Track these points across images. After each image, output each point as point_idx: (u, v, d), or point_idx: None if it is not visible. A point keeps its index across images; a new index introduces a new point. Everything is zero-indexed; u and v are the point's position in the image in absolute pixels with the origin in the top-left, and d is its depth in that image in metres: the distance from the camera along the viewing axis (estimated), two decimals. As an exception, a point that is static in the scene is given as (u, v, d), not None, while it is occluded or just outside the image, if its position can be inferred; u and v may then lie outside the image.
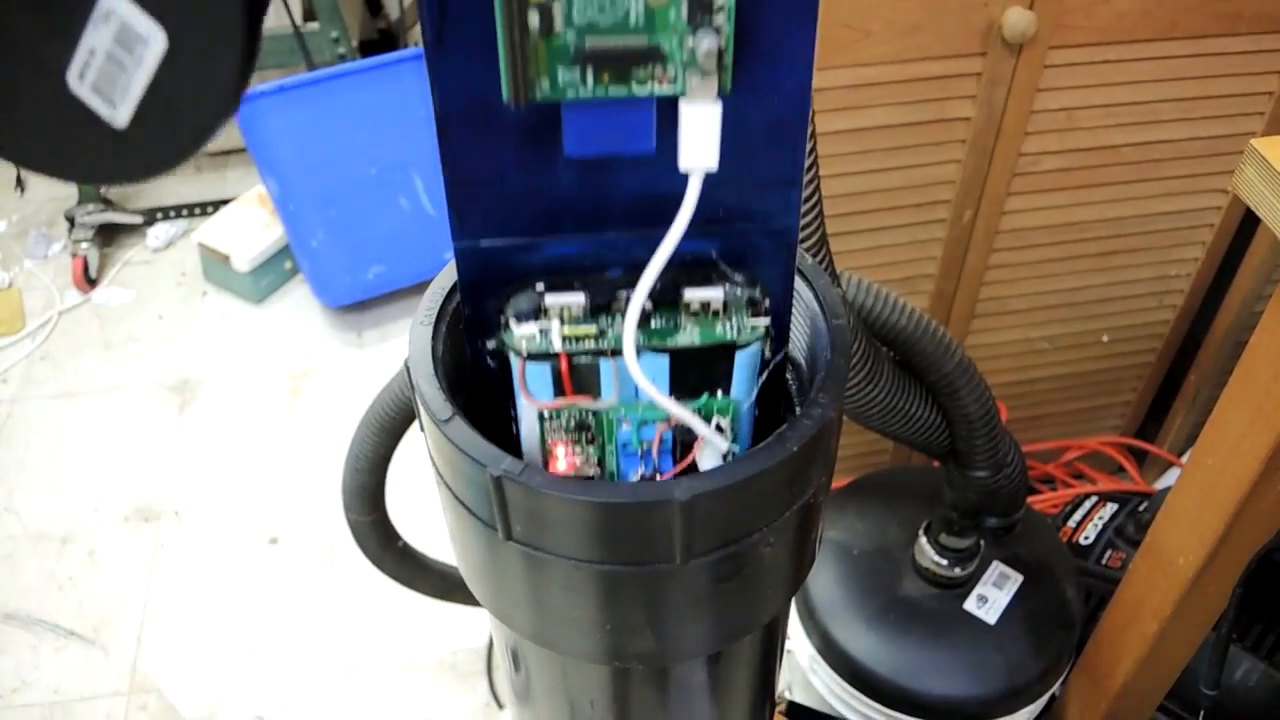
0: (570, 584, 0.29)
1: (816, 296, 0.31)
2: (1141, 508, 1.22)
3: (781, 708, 1.08)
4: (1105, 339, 1.36)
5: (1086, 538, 1.21)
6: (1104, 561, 1.17)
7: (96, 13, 0.23)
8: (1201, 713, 0.84)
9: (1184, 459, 1.50)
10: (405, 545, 1.03)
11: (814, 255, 0.73)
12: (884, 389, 0.87)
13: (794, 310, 0.33)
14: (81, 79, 0.25)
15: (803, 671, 1.07)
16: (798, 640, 1.07)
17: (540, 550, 0.28)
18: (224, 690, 1.45)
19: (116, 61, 0.24)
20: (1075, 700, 1.03)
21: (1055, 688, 1.03)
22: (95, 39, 0.24)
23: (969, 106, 1.07)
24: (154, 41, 0.24)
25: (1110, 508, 1.25)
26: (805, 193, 0.69)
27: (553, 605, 0.30)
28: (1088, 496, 1.29)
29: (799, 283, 0.32)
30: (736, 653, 0.35)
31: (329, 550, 1.59)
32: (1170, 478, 1.50)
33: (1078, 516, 1.25)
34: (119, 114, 0.25)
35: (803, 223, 0.70)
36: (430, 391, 0.28)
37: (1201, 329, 1.39)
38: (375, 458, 0.95)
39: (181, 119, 0.26)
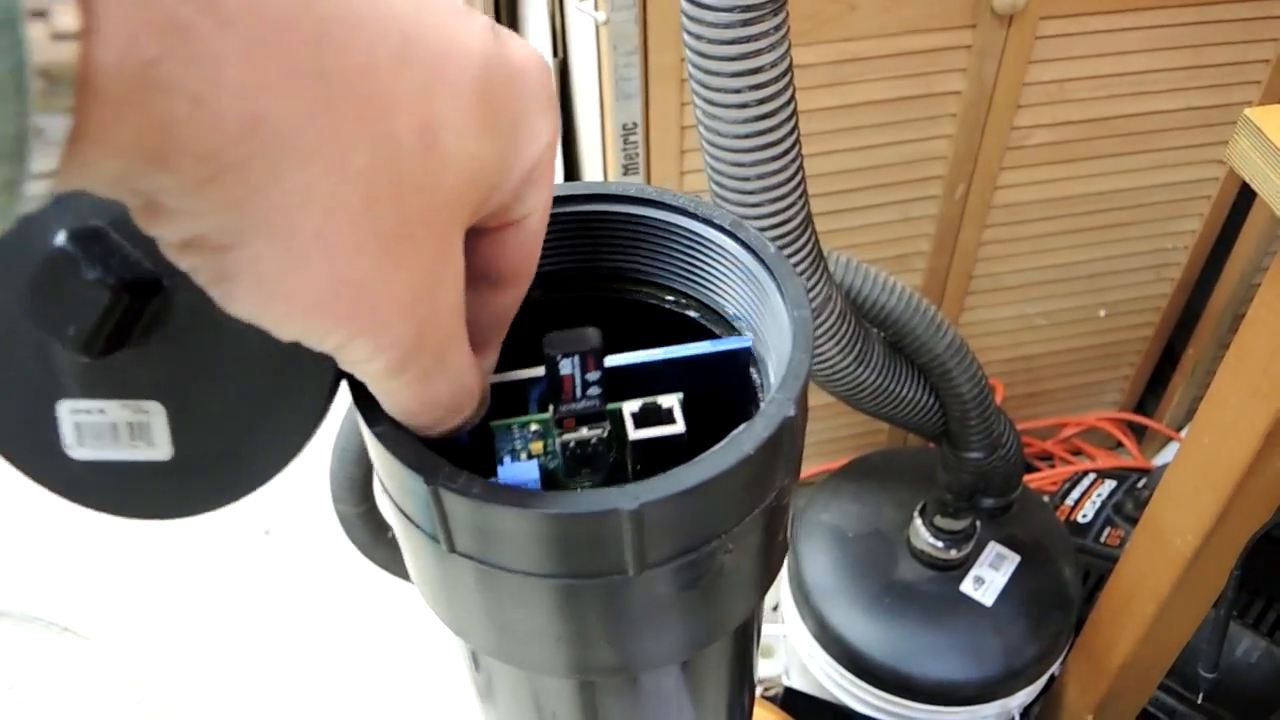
0: (521, 598, 0.27)
1: (779, 288, 0.30)
2: (1140, 484, 1.21)
3: (778, 694, 1.07)
4: (1102, 313, 1.34)
5: (1085, 515, 1.20)
6: (1102, 539, 1.16)
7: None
8: (1201, 694, 0.83)
9: (1183, 434, 1.48)
10: (395, 537, 1.02)
11: (798, 238, 0.71)
12: (875, 372, 0.86)
13: (758, 301, 0.31)
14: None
15: (799, 657, 1.06)
16: (793, 625, 1.06)
17: (486, 563, 0.27)
18: (219, 683, 1.44)
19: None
20: (1074, 681, 1.02)
21: (1054, 668, 1.02)
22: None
23: (959, 80, 1.05)
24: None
25: (1109, 485, 1.24)
26: (787, 174, 0.67)
27: (507, 619, 0.29)
28: (1086, 474, 1.28)
29: (760, 272, 0.31)
30: (706, 659, 0.34)
31: (322, 542, 1.57)
32: (1169, 453, 1.48)
33: (1075, 494, 1.24)
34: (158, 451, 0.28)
35: (785, 204, 0.68)
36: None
37: (1200, 302, 1.37)
38: (362, 449, 0.94)
39: (251, 459, 0.30)
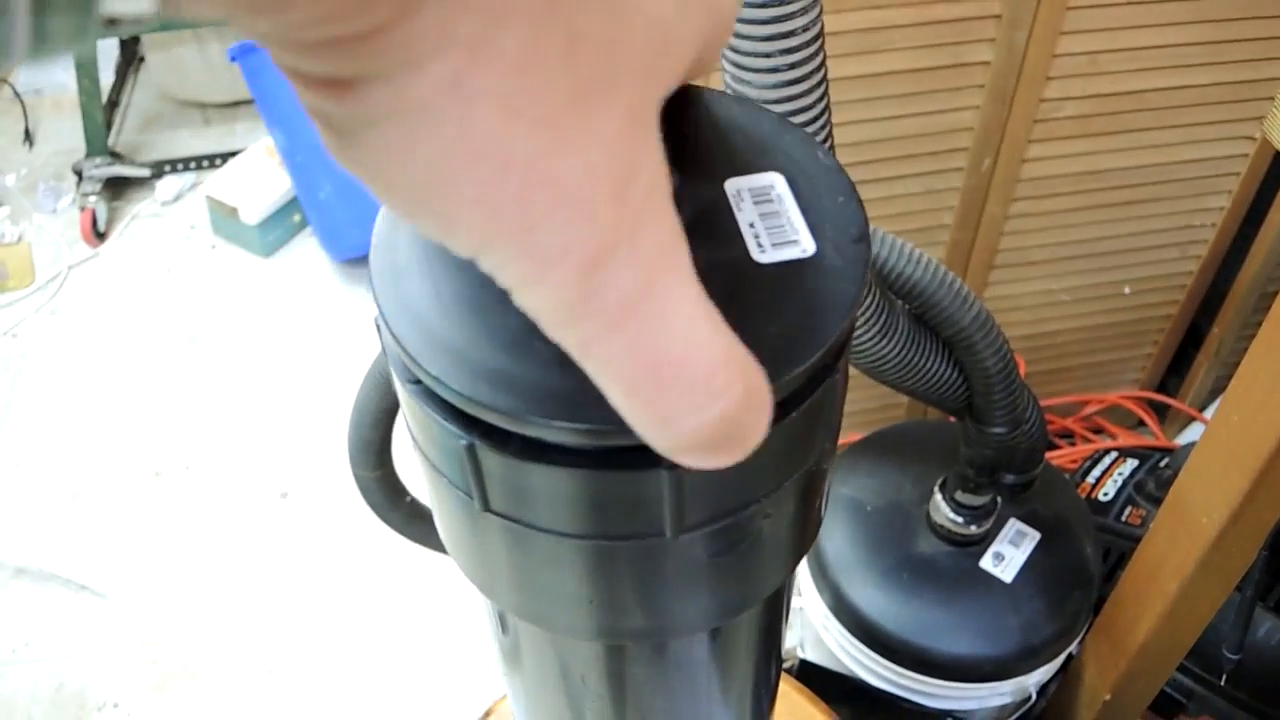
0: (554, 559, 0.27)
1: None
2: (1162, 464, 1.20)
3: (793, 666, 1.07)
4: (1127, 290, 1.33)
5: (1106, 494, 1.19)
6: (1124, 518, 1.15)
7: None
8: (1224, 675, 0.82)
9: (1206, 413, 1.47)
10: (413, 501, 1.02)
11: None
12: (899, 344, 0.85)
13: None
14: None
15: (815, 629, 1.06)
16: (810, 598, 1.05)
17: (521, 523, 0.26)
18: (235, 644, 1.45)
19: None
20: (1092, 660, 1.01)
21: (1072, 647, 1.02)
22: None
23: (988, 50, 1.04)
24: None
25: (1130, 463, 1.23)
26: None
27: (538, 580, 0.28)
28: (1107, 452, 1.27)
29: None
30: (736, 627, 0.33)
31: (339, 505, 1.58)
32: (1192, 433, 1.47)
33: (1097, 472, 1.23)
34: None
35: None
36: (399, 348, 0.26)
37: (1225, 281, 1.36)
38: (379, 412, 0.93)
39: None
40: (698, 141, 0.29)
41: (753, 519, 0.27)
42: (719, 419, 0.20)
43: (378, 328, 0.27)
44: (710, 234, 0.27)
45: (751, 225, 0.27)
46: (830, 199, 0.28)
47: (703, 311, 0.20)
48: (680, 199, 0.23)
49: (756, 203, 0.27)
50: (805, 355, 0.24)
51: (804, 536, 0.30)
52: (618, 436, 0.22)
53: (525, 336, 0.24)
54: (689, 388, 0.19)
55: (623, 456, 0.24)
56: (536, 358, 0.24)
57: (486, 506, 0.26)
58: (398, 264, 0.26)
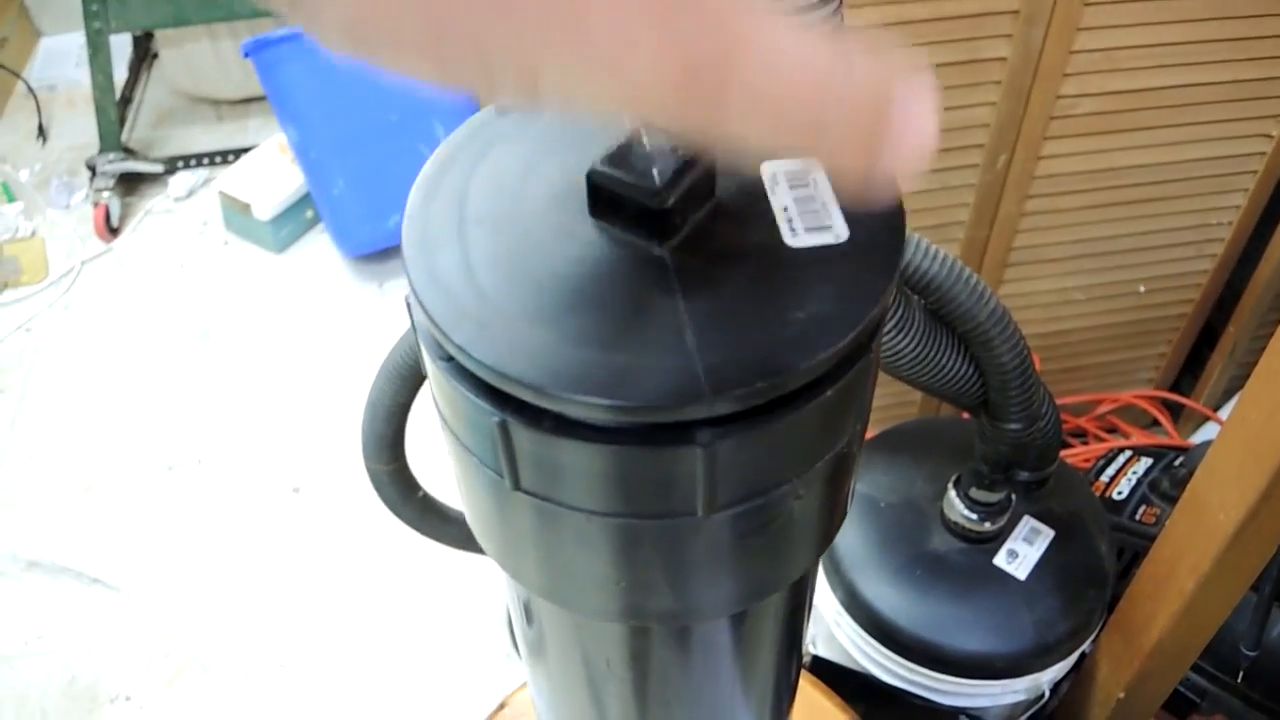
0: (583, 538, 0.27)
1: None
2: (1177, 462, 1.19)
3: (805, 662, 1.07)
4: (1141, 289, 1.33)
5: (1120, 493, 1.19)
6: (1138, 517, 1.15)
7: None
8: (1241, 672, 0.82)
9: (1221, 413, 1.46)
10: (426, 495, 1.02)
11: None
12: (915, 338, 0.84)
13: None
14: None
15: (827, 625, 1.05)
16: (822, 594, 1.05)
17: (551, 501, 0.26)
18: (247, 638, 1.45)
19: None
20: (1107, 658, 1.01)
21: (1086, 645, 1.01)
22: None
23: (1004, 46, 1.03)
24: None
25: (1145, 462, 1.22)
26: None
27: (565, 560, 0.28)
28: (1121, 451, 1.26)
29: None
30: (762, 612, 0.33)
31: (351, 500, 1.58)
32: (1206, 433, 1.46)
33: (1111, 471, 1.22)
34: None
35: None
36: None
37: (1241, 280, 1.35)
38: (393, 406, 0.93)
39: None
40: None
41: (784, 499, 0.27)
42: (866, 108, 0.18)
43: (408, 305, 0.27)
44: (743, 217, 0.27)
45: (785, 209, 0.27)
46: None
47: (795, 34, 0.18)
48: (714, 182, 0.23)
49: (792, 187, 0.27)
50: (834, 339, 0.24)
51: (831, 521, 0.30)
52: (651, 413, 0.22)
53: (559, 312, 0.24)
54: (824, 102, 0.18)
55: (656, 433, 0.24)
56: (571, 333, 0.24)
57: (517, 485, 0.26)
58: (429, 236, 0.26)
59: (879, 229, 0.26)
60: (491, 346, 0.24)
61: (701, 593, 0.29)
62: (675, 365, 0.24)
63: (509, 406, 0.24)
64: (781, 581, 0.31)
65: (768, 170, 0.27)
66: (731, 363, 0.23)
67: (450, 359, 0.25)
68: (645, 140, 0.26)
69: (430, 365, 0.27)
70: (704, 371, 0.23)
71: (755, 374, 0.23)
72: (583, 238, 0.27)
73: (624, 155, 0.26)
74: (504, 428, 0.25)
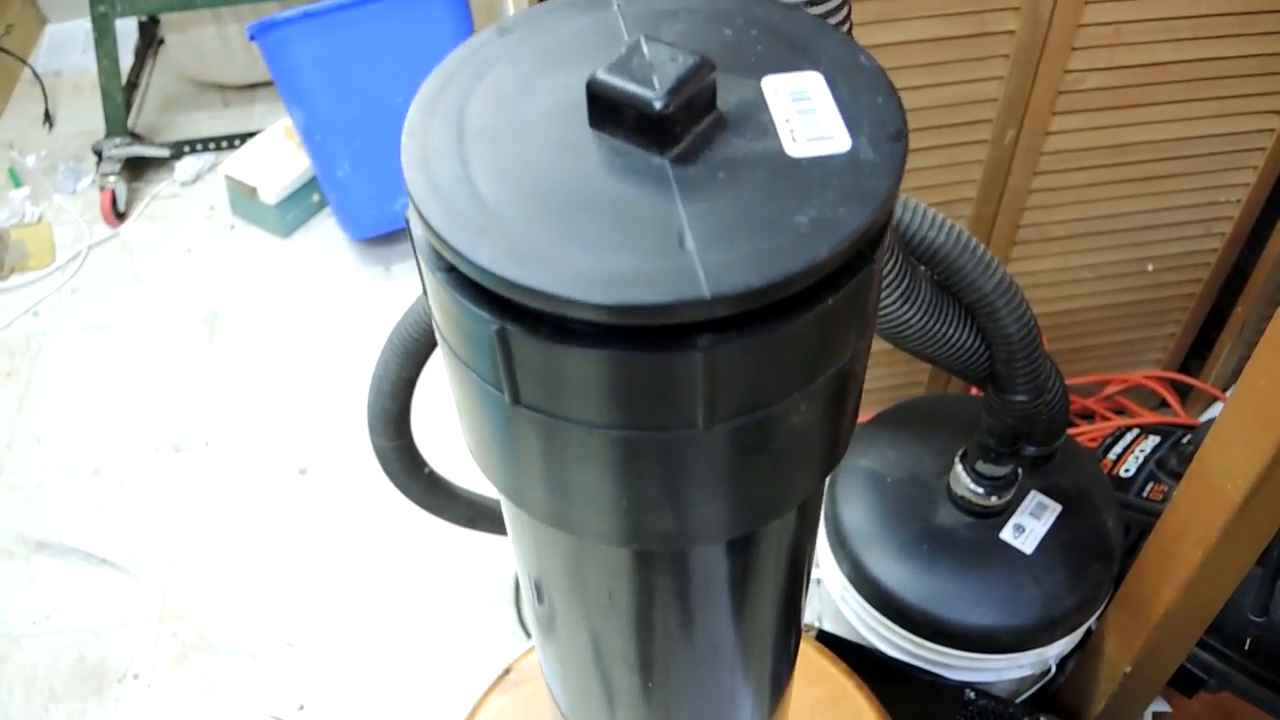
0: (585, 454, 0.27)
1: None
2: (1185, 440, 1.19)
3: (812, 636, 1.07)
4: (1150, 268, 1.32)
5: (1127, 470, 1.18)
6: (1145, 495, 1.14)
7: None
8: (1248, 640, 0.81)
9: (1229, 394, 1.45)
10: (432, 472, 1.02)
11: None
12: (921, 310, 0.84)
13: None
14: None
15: (834, 600, 1.05)
16: (828, 569, 1.05)
17: (552, 415, 0.26)
18: (254, 618, 1.45)
19: None
20: (1113, 632, 1.00)
21: (1092, 620, 1.01)
22: None
23: (1012, 19, 1.03)
24: None
25: (1152, 440, 1.22)
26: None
27: (566, 479, 0.28)
28: (1129, 429, 1.26)
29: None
30: (765, 539, 0.33)
31: (358, 481, 1.58)
32: (1214, 412, 1.46)
33: (1118, 449, 1.22)
34: None
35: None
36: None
37: (1250, 259, 1.34)
38: (399, 381, 0.93)
39: None
40: (737, 40, 0.29)
41: (785, 415, 0.26)
42: None
43: (407, 220, 0.26)
44: (745, 128, 0.27)
45: (787, 120, 0.27)
46: (869, 98, 0.27)
47: None
48: (716, 94, 0.23)
49: (794, 100, 0.27)
50: (836, 240, 0.24)
51: (835, 444, 0.30)
52: (651, 314, 0.22)
53: (558, 218, 0.24)
54: None
55: (656, 338, 0.23)
56: (570, 238, 0.23)
57: (517, 399, 0.26)
58: (428, 150, 0.26)
59: (881, 138, 0.26)
60: (490, 251, 0.23)
61: (702, 513, 0.29)
62: (675, 267, 0.23)
63: (508, 314, 0.24)
64: (784, 505, 0.30)
65: (769, 83, 0.27)
66: (732, 264, 0.23)
67: (449, 269, 0.25)
68: (646, 50, 0.26)
69: (430, 280, 0.26)
70: (704, 272, 0.23)
71: (756, 274, 0.23)
72: (583, 148, 0.27)
73: (625, 65, 0.26)
74: (503, 336, 0.24)
